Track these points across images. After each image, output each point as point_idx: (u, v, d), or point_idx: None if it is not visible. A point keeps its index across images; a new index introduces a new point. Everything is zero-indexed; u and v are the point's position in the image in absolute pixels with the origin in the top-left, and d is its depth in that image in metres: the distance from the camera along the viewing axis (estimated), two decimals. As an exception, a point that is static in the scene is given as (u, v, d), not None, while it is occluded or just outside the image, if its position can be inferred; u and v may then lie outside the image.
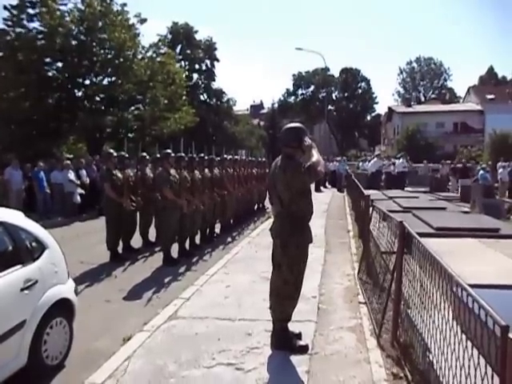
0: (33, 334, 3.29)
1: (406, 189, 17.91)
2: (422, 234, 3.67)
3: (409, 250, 3.60)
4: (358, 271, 5.99)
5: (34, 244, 3.58)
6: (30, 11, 17.69)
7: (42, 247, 3.62)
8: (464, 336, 2.21)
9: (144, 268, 6.89)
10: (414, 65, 64.60)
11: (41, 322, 3.37)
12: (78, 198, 12.55)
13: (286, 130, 3.75)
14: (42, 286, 3.45)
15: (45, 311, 3.42)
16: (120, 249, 7.57)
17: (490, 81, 56.38)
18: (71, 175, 12.46)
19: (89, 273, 6.60)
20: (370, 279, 5.33)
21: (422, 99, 61.58)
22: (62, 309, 3.68)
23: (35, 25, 17.83)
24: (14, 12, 17.46)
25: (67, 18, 18.35)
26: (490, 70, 61.53)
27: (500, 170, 16.83)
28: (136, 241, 8.10)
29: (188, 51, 39.03)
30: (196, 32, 39.59)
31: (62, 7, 18.38)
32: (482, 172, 16.25)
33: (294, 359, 3.58)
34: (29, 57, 16.99)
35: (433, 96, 61.64)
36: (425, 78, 64.20)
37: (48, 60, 18.43)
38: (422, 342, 3.13)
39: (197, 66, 40.22)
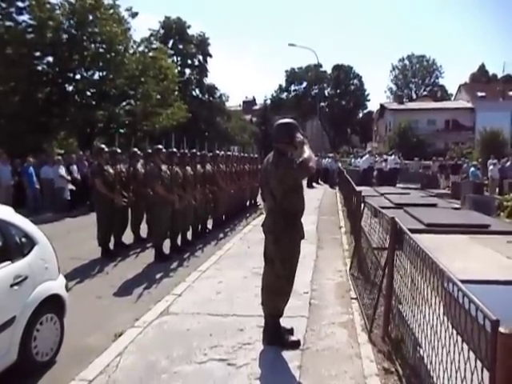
0: (23, 331, 3.26)
1: (397, 185, 18.03)
2: (412, 230, 3.69)
3: (400, 245, 3.62)
4: (349, 267, 6.02)
5: (23, 240, 3.53)
6: (20, 4, 17.42)
7: (31, 243, 3.59)
8: (454, 331, 2.23)
9: (135, 264, 6.85)
10: (406, 62, 64.89)
11: (31, 318, 3.33)
12: (69, 193, 12.45)
13: (278, 125, 3.73)
14: (32, 282, 3.42)
15: (35, 307, 3.38)
16: (111, 245, 7.52)
17: (481, 78, 56.77)
18: (62, 171, 12.33)
19: (80, 269, 6.56)
20: (361, 275, 5.36)
21: (414, 96, 61.91)
22: (53, 305, 3.65)
23: (25, 18, 17.61)
24: (3, 5, 17.17)
25: (57, 12, 18.12)
26: (482, 67, 61.99)
27: (490, 168, 16.98)
28: (127, 237, 8.06)
29: (180, 46, 38.75)
30: (189, 27, 39.35)
31: (51, 0, 18.15)
32: (472, 169, 16.40)
33: (286, 354, 3.59)
34: (18, 50, 16.74)
35: (424, 93, 61.99)
36: (416, 75, 64.50)
37: (38, 54, 18.18)
38: (412, 336, 3.15)
39: (189, 62, 39.98)
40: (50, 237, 3.95)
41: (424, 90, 63.89)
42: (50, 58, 18.60)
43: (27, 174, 12.09)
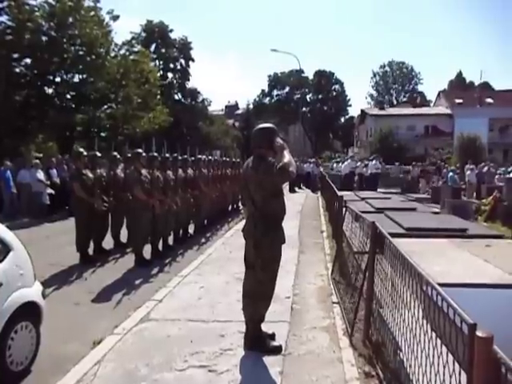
0: (-4, 340, 3.16)
1: (378, 190, 18.24)
2: (393, 235, 3.72)
3: (381, 249, 3.65)
4: (331, 271, 6.04)
5: (-3, 246, 3.44)
6: (-2, 5, 17.13)
7: (6, 249, 3.48)
8: (434, 334, 2.25)
9: (115, 270, 6.74)
10: (387, 68, 65.94)
11: (5, 326, 3.24)
12: (47, 198, 12.20)
13: (258, 130, 3.73)
14: (6, 290, 3.32)
15: (9, 315, 3.28)
16: (90, 250, 7.38)
17: (458, 85, 58.06)
18: (40, 175, 12.09)
19: (58, 275, 6.41)
20: (343, 279, 5.38)
21: (394, 102, 62.92)
22: (28, 312, 3.55)
23: (3, 19, 17.30)
24: (-19, 5, 16.86)
25: (37, 13, 17.84)
26: (459, 74, 63.45)
27: (468, 173, 17.33)
28: (107, 242, 7.93)
29: (163, 50, 38.60)
30: (171, 31, 39.24)
31: (31, 1, 17.87)
32: (451, 174, 16.70)
33: (268, 360, 3.57)
34: (-4, 52, 16.45)
35: (404, 99, 63.06)
36: (397, 81, 65.59)
37: (16, 56, 17.87)
38: (393, 340, 3.17)
39: (171, 65, 39.83)
40: (27, 242, 3.85)
41: (404, 97, 65.00)
42: (29, 60, 18.30)
43: (4, 178, 11.81)
